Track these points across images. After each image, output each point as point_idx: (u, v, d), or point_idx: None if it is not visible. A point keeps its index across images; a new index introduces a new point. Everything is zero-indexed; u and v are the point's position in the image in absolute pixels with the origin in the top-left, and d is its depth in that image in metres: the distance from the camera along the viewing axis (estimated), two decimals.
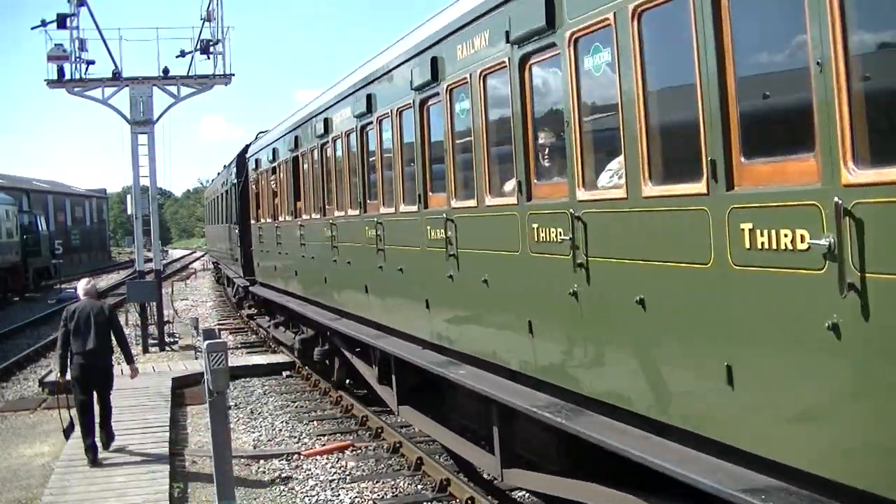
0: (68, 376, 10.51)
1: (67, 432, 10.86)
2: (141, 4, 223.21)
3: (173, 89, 20.97)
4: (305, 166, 15.05)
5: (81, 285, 11.12)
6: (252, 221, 21.74)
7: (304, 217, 15.12)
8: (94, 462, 10.23)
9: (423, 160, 9.05)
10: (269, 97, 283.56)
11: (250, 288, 21.99)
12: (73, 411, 10.61)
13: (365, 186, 11.26)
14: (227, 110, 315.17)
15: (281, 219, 17.38)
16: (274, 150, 18.02)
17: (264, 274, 20.34)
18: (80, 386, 10.49)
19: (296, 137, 15.64)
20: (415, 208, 9.21)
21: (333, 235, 12.82)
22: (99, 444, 10.53)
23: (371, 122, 10.74)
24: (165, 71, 20.91)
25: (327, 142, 13.23)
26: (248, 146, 23.42)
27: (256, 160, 20.68)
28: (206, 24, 20.97)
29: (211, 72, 21.15)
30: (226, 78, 21.17)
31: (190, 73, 21.16)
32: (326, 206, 13.50)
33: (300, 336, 16.20)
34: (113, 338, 10.84)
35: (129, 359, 11.36)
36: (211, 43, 20.96)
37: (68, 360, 10.44)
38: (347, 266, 12.11)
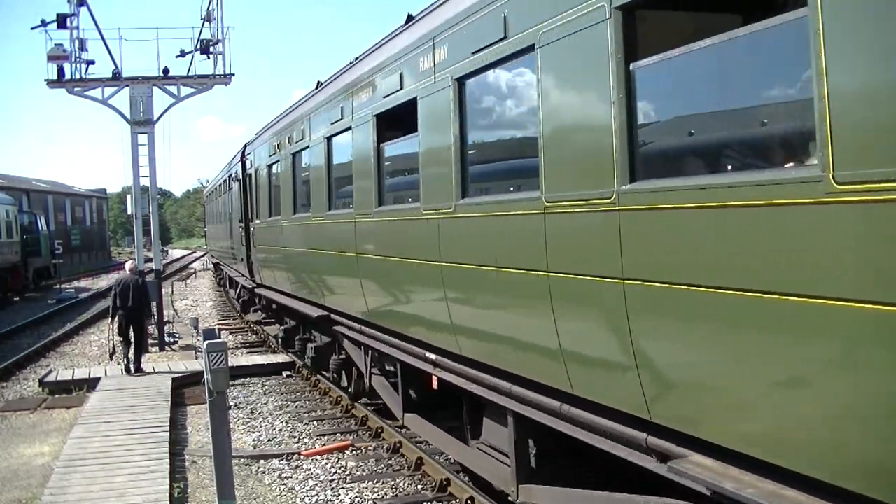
0: (115, 323, 16.48)
1: (112, 356, 17.76)
2: (141, 4, 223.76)
3: (173, 89, 20.95)
4: None
5: (128, 265, 17.44)
6: None
7: None
8: (128, 372, 16.30)
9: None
10: (268, 97, 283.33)
11: None
12: (117, 345, 17.21)
13: None
14: (226, 110, 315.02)
15: None
16: None
17: None
18: (122, 328, 16.43)
19: None
20: None
21: None
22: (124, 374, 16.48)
23: None
24: (165, 71, 20.90)
25: None
26: None
27: None
28: (206, 24, 20.97)
29: (211, 72, 21.15)
30: (226, 78, 21.15)
31: (190, 73, 21.15)
32: None
33: None
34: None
35: (150, 313, 17.72)
36: (211, 43, 20.95)
37: (117, 312, 16.31)
38: None
